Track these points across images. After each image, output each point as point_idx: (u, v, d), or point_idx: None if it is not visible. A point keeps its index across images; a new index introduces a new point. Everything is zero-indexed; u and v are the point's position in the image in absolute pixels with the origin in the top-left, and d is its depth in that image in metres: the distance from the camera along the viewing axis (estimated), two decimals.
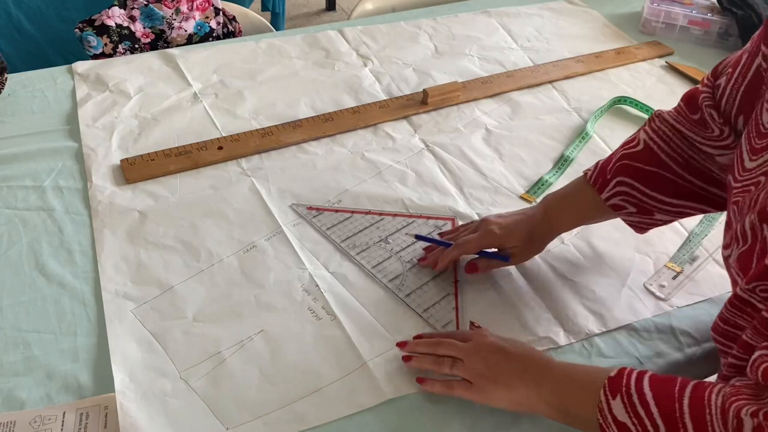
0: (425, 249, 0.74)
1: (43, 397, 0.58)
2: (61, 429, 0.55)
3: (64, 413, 0.56)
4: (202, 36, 1.16)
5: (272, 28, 1.26)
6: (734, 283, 0.54)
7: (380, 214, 0.78)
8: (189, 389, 0.59)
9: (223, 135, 0.88)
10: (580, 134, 0.91)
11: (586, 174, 0.69)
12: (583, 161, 0.88)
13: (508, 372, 0.57)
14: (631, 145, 0.67)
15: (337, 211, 0.79)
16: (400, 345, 0.64)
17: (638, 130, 0.69)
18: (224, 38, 1.19)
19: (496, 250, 0.70)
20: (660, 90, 1.04)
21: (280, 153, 0.86)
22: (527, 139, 0.91)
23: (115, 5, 1.11)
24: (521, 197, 0.81)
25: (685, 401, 0.47)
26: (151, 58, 1.02)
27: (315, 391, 0.60)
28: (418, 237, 0.74)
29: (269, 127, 0.90)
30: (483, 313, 0.68)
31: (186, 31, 1.14)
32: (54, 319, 0.65)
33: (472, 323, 0.66)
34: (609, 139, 0.92)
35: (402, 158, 0.86)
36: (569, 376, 0.55)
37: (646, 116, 0.96)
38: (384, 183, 0.82)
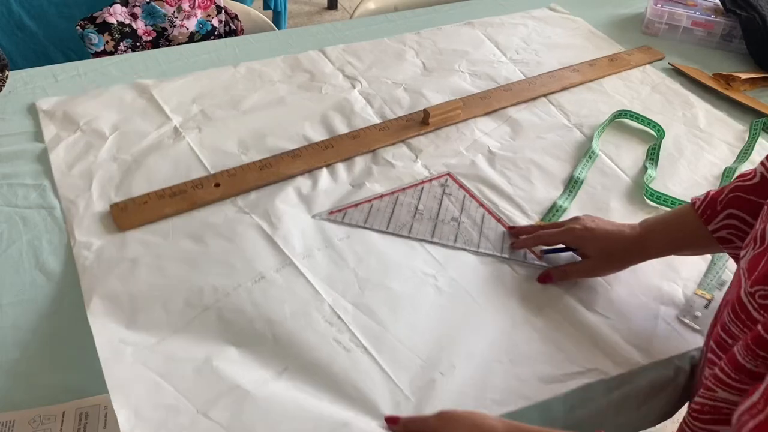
0: (510, 229, 0.76)
1: (43, 396, 0.57)
2: (61, 429, 0.55)
3: (63, 413, 0.55)
4: (204, 34, 1.16)
5: (274, 26, 1.23)
6: (738, 286, 0.52)
7: (392, 193, 0.80)
8: (212, 422, 0.54)
9: (213, 173, 0.82)
10: (587, 153, 0.88)
11: (694, 203, 0.66)
12: (593, 181, 0.85)
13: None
14: (747, 177, 0.63)
15: (356, 205, 0.77)
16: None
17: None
18: (226, 36, 1.16)
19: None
20: (656, 100, 1.02)
21: (280, 187, 0.80)
22: (533, 160, 0.87)
23: (117, 3, 1.12)
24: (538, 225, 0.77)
25: None
26: (122, 90, 0.94)
27: (344, 425, 0.55)
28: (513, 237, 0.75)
29: (267, 158, 0.84)
30: (524, 345, 0.64)
31: (188, 29, 1.12)
32: (54, 318, 0.63)
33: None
34: (615, 156, 0.89)
35: (405, 186, 0.82)
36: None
37: (648, 129, 0.94)
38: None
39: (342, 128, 0.91)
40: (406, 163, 0.85)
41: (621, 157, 0.89)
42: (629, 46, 1.17)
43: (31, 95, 0.93)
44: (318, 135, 0.89)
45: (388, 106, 0.96)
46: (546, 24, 1.21)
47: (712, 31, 1.19)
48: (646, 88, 1.04)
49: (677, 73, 1.12)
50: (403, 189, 0.80)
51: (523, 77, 1.04)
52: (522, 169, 0.86)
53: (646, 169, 0.86)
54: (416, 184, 0.81)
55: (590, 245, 0.69)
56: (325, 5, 2.70)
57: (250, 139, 0.87)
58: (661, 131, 0.92)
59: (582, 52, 1.12)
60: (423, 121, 0.92)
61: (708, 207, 0.64)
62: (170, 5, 1.11)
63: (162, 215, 0.75)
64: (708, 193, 0.66)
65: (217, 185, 0.80)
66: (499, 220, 0.77)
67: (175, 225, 0.74)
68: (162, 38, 1.13)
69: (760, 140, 0.93)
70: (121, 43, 1.10)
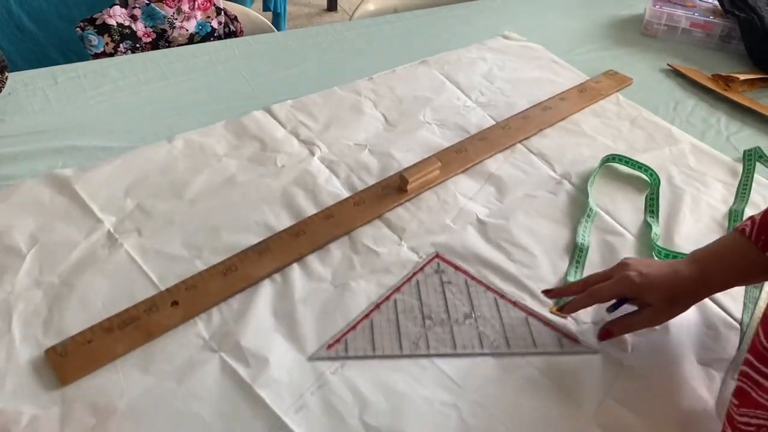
0: (546, 293, 0.68)
1: None
2: None
3: None
4: (204, 36, 1.26)
5: (274, 28, 1.23)
6: None
7: (388, 297, 0.68)
8: None
9: (161, 287, 0.68)
10: (585, 213, 0.80)
11: (743, 231, 0.61)
12: (598, 244, 0.76)
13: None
14: None
15: (354, 327, 0.64)
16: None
17: None
18: (226, 38, 1.18)
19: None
20: (638, 137, 0.95)
21: (249, 297, 0.67)
22: (528, 226, 0.78)
23: (117, 4, 1.12)
24: (551, 312, 0.68)
25: None
26: (38, 188, 0.78)
27: None
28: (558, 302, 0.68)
29: (230, 259, 0.71)
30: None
31: (187, 30, 1.16)
32: None
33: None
34: (612, 210, 0.81)
35: (396, 280, 0.70)
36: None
37: (638, 173, 0.87)
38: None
39: (308, 207, 0.79)
40: (391, 248, 0.74)
41: (619, 211, 0.81)
42: (628, 47, 1.18)
43: (31, 97, 0.93)
44: (282, 220, 0.77)
45: (356, 174, 0.84)
46: (505, 55, 1.12)
47: (711, 32, 1.20)
48: (625, 124, 0.97)
49: (676, 73, 1.12)
50: (398, 288, 0.68)
51: (494, 122, 0.95)
52: (519, 240, 0.76)
53: (648, 225, 0.78)
54: (409, 278, 0.69)
55: (650, 293, 0.62)
56: (325, 7, 2.76)
57: (201, 237, 0.73)
58: (654, 176, 0.85)
59: (549, 86, 1.04)
60: (400, 188, 0.81)
61: (761, 233, 0.60)
62: (170, 7, 1.12)
63: (113, 355, 0.61)
64: (752, 218, 0.61)
65: (175, 304, 0.66)
66: (515, 304, 0.67)
67: (128, 372, 0.60)
68: (162, 40, 1.14)
69: (757, 176, 0.88)
70: (121, 45, 1.10)
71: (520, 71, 1.08)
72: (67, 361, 0.60)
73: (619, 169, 0.88)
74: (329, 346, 0.61)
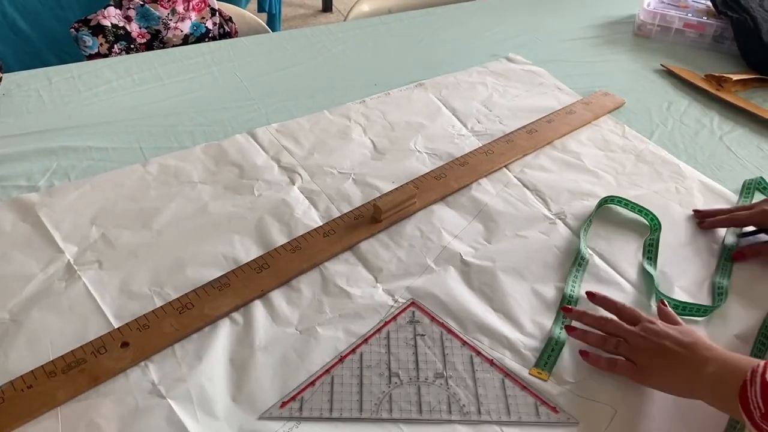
0: (697, 213, 0.80)
1: None
2: None
3: None
4: (198, 36, 1.27)
5: (268, 29, 1.23)
6: None
7: (354, 350, 0.62)
8: None
9: (116, 327, 0.63)
10: (576, 260, 0.74)
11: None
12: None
13: (672, 354, 0.57)
14: None
15: (313, 383, 0.59)
16: (566, 310, 0.66)
17: None
18: (220, 39, 1.16)
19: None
20: (643, 171, 0.89)
21: (206, 338, 0.63)
22: (515, 270, 0.72)
23: (111, 5, 1.12)
24: (531, 374, 0.61)
25: None
26: (2, 213, 0.74)
27: None
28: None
29: (186, 295, 0.66)
30: None
31: (182, 31, 1.18)
32: None
33: (661, 302, 0.66)
34: (609, 254, 0.75)
35: (367, 328, 0.65)
36: (731, 361, 0.53)
37: (638, 217, 0.80)
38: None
39: (281, 240, 0.74)
40: (365, 290, 0.69)
41: (616, 256, 0.75)
42: (621, 48, 1.21)
43: (25, 98, 0.93)
44: (251, 254, 0.72)
45: (336, 206, 0.80)
46: (507, 80, 1.07)
47: (704, 32, 1.20)
48: (630, 158, 0.91)
49: (669, 74, 1.12)
50: (367, 339, 0.63)
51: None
52: (504, 286, 0.70)
53: (647, 273, 0.72)
54: (380, 328, 0.64)
55: None
56: (320, 8, 2.77)
57: (165, 273, 0.69)
58: (654, 221, 0.79)
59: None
60: (374, 218, 0.77)
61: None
62: (164, 8, 1.11)
63: (53, 403, 0.57)
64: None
65: (125, 345, 0.62)
66: (492, 362, 0.62)
67: (66, 421, 0.55)
68: (156, 40, 1.13)
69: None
70: (115, 46, 1.10)
71: (522, 98, 1.02)
72: (3, 409, 0.56)
73: (618, 210, 0.82)
74: (283, 404, 0.56)
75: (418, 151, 0.90)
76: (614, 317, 0.64)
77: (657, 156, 0.92)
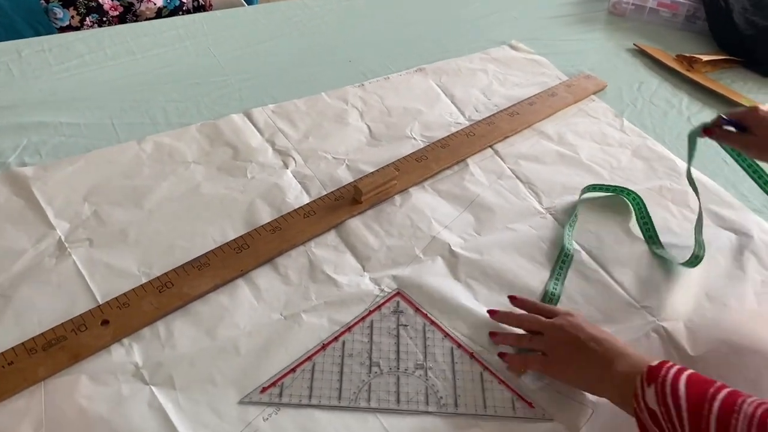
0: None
1: None
2: None
3: None
4: (172, 9, 1.26)
5: (244, 2, 1.21)
6: None
7: (336, 338, 0.63)
8: None
9: (99, 304, 0.64)
10: (559, 256, 0.74)
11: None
12: (571, 290, 0.70)
13: (585, 350, 0.57)
14: None
15: (294, 369, 0.59)
16: (491, 313, 0.65)
17: None
18: (195, 12, 1.17)
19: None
20: (638, 167, 0.88)
21: (185, 317, 0.64)
22: (502, 264, 0.72)
23: None
24: (510, 368, 0.62)
25: (716, 404, 0.46)
26: None
27: None
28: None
29: (166, 274, 0.67)
30: None
31: (155, 4, 1.18)
32: None
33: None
34: (596, 249, 0.75)
35: (351, 317, 0.66)
36: (638, 364, 0.53)
37: (621, 196, 0.81)
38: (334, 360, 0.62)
39: None
40: (352, 279, 0.69)
41: (604, 249, 0.75)
42: (596, 26, 1.23)
43: None
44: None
45: (328, 191, 0.80)
46: (508, 68, 1.06)
47: (677, 12, 1.23)
48: (626, 153, 0.90)
49: (641, 53, 1.14)
50: (350, 327, 0.64)
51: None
52: (489, 280, 0.70)
53: (657, 255, 0.74)
54: (363, 317, 0.65)
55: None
56: None
57: (154, 253, 0.70)
58: (637, 200, 0.79)
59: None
60: (354, 199, 0.77)
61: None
62: None
63: (34, 379, 0.58)
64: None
65: (105, 322, 0.62)
66: (472, 355, 0.62)
67: (50, 404, 0.56)
68: (129, 13, 1.11)
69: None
70: (87, 18, 1.08)
71: (522, 87, 1.01)
72: None
73: (608, 204, 0.82)
74: (263, 389, 0.57)
75: (414, 137, 0.89)
76: (532, 315, 0.63)
77: (654, 151, 0.91)
